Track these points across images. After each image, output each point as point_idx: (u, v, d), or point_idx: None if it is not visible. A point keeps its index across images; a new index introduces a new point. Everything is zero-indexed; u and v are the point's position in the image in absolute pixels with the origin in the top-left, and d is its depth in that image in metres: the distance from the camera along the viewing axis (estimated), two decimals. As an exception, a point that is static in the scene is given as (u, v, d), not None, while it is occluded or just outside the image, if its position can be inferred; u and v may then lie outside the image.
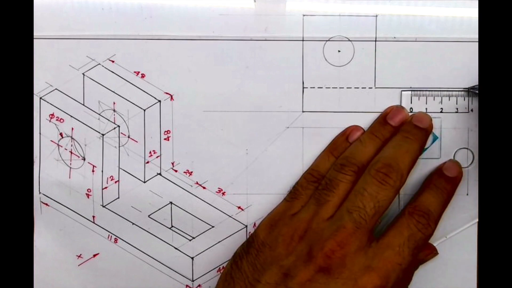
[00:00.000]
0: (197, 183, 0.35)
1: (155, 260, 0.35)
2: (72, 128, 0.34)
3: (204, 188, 0.35)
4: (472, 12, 0.34)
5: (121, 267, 0.35)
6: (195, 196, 0.35)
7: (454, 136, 0.34)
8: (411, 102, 0.34)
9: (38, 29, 0.34)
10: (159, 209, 0.35)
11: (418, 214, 0.31)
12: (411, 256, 0.30)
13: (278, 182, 0.34)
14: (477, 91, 0.33)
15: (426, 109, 0.34)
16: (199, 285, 0.35)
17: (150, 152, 0.34)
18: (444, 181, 0.33)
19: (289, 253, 0.31)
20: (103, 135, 0.34)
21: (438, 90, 0.34)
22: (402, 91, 0.34)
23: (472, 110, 0.34)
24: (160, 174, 0.34)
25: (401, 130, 0.33)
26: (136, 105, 0.34)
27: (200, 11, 0.34)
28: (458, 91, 0.34)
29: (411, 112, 0.34)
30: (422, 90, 0.34)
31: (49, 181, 0.34)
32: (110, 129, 0.34)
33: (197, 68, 0.34)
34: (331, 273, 0.30)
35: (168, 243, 0.35)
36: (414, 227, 0.31)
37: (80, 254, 0.35)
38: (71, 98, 0.34)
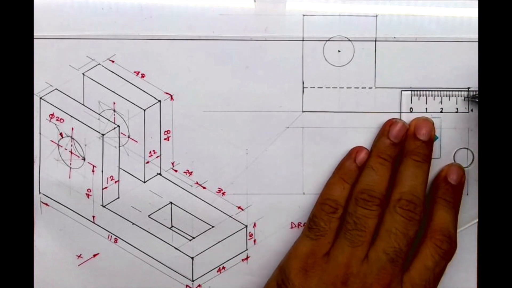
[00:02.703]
0: (197, 183, 0.35)
1: (155, 260, 0.35)
2: (72, 128, 0.34)
3: (204, 188, 0.35)
4: (472, 12, 0.34)
5: (121, 267, 0.35)
6: (195, 196, 0.35)
7: (454, 136, 0.34)
8: (411, 102, 0.34)
9: (38, 29, 0.34)
10: (159, 209, 0.35)
11: (440, 240, 0.32)
12: (438, 281, 0.32)
13: (278, 182, 0.34)
14: (477, 100, 0.33)
15: (426, 109, 0.34)
16: (199, 285, 0.35)
17: (150, 152, 0.34)
18: (452, 190, 0.33)
19: None
20: (103, 135, 0.34)
21: (438, 90, 0.34)
22: (402, 91, 0.34)
23: (472, 110, 0.34)
24: (160, 174, 0.34)
25: (409, 152, 0.32)
26: (136, 105, 0.34)
27: (200, 11, 0.34)
28: (458, 91, 0.34)
29: (411, 112, 0.34)
30: (422, 90, 0.34)
31: (49, 181, 0.34)
32: (110, 129, 0.34)
33: (197, 68, 0.34)
34: None
35: (168, 243, 0.35)
36: (438, 256, 0.31)
37: (80, 254, 0.35)
38: (71, 98, 0.34)
